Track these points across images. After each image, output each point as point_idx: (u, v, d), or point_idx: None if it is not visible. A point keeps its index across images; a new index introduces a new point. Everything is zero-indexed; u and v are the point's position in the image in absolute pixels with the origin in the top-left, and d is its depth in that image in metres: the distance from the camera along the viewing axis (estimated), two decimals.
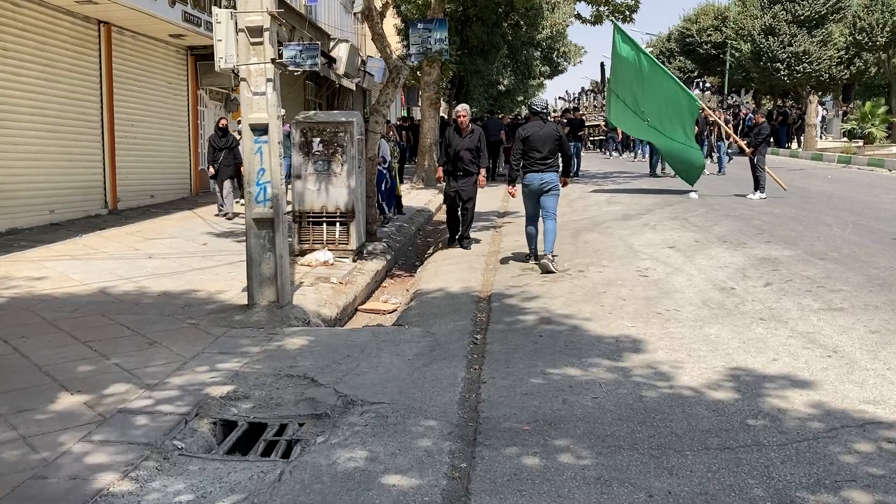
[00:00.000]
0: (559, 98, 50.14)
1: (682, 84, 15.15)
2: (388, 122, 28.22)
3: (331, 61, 26.24)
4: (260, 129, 6.32)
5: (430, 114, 19.61)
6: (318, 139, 9.05)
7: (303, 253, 9.12)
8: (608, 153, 32.50)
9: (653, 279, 7.55)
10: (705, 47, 40.75)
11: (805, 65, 28.05)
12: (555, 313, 6.30)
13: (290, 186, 9.43)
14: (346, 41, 28.64)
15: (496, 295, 7.11)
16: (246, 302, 6.54)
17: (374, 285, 8.91)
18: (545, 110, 8.72)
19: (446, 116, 28.87)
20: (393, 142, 15.74)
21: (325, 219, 9.13)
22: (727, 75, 37.37)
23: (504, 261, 8.90)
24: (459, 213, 9.86)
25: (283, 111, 6.54)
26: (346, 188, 9.08)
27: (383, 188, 12.04)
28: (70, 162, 11.95)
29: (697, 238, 9.93)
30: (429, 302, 7.08)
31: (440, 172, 9.87)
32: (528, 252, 8.67)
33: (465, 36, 22.09)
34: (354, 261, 9.20)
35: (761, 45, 28.84)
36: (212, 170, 12.91)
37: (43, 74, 11.22)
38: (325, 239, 9.14)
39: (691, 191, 15.18)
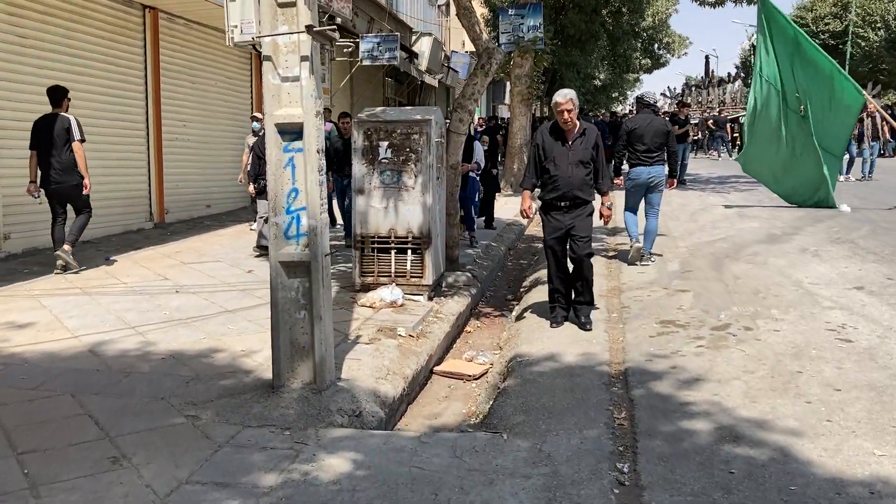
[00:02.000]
0: (661, 94, 46.96)
1: (846, 74, 12.19)
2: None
3: (412, 56, 24.40)
4: (292, 132, 4.29)
5: (522, 111, 17.41)
6: (386, 143, 7.02)
7: (365, 288, 7.11)
8: (717, 153, 29.39)
9: (861, 346, 5.16)
10: (822, 37, 36.92)
11: None
12: (737, 416, 4.03)
13: (345, 205, 7.50)
14: (430, 34, 26.80)
15: (634, 372, 4.87)
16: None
17: (456, 331, 6.82)
18: (656, 103, 8.59)
19: (541, 115, 26.62)
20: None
21: (393, 245, 7.09)
22: (847, 67, 33.61)
23: (633, 304, 6.65)
24: (570, 266, 6.16)
25: (323, 105, 4.49)
26: (420, 206, 7.02)
27: (476, 199, 10.05)
28: (108, 169, 10.32)
29: (888, 273, 7.41)
30: (534, 381, 4.89)
31: (526, 202, 5.92)
32: (631, 242, 8.47)
33: (560, 24, 19.78)
34: (430, 298, 7.13)
35: None
36: (252, 188, 9.32)
37: (72, 67, 9.60)
38: (393, 270, 7.10)
39: (836, 202, 12.44)
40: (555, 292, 6.21)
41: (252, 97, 14.47)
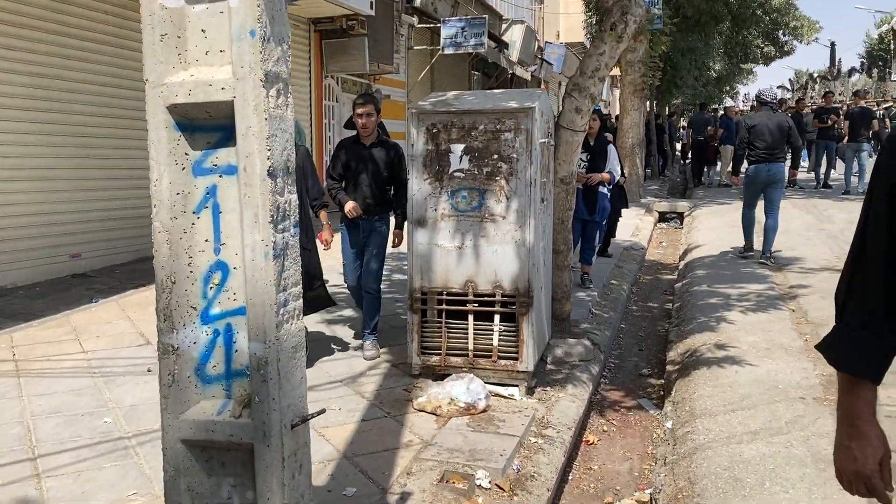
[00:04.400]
0: (779, 87, 42.56)
1: None
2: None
3: (502, 45, 21.79)
4: (209, 126, 1.77)
5: (634, 104, 14.51)
6: (462, 147, 4.44)
7: (427, 372, 4.57)
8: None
9: None
10: None
11: None
12: None
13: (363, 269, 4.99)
14: (522, 21, 24.14)
15: None
16: None
17: (573, 448, 4.19)
18: (775, 100, 8.39)
19: (651, 110, 23.49)
20: None
21: (472, 306, 4.51)
22: None
23: None
24: None
25: (289, 67, 1.90)
26: (514, 244, 4.41)
27: (602, 225, 7.45)
28: (118, 190, 8.15)
29: None
30: None
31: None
32: (745, 244, 8.57)
33: (677, 3, 16.71)
34: (531, 391, 4.53)
35: None
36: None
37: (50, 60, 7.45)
38: (471, 347, 4.52)
39: None
40: None
41: (311, 92, 12.18)
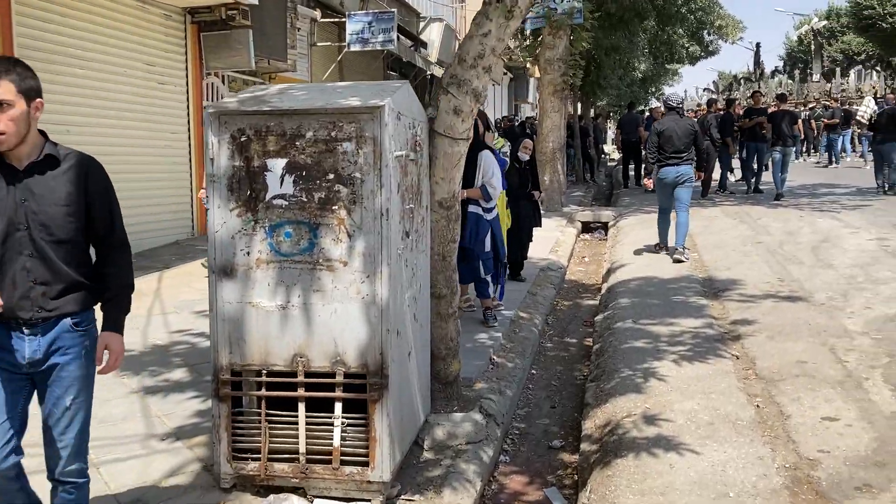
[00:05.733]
0: (705, 90, 42.34)
1: None
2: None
3: (418, 44, 20.54)
4: None
5: (554, 106, 13.38)
6: (284, 163, 3.10)
7: (245, 483, 3.21)
8: (817, 156, 23.78)
9: None
10: (890, 20, 32.37)
11: None
12: None
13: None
14: (441, 20, 22.96)
15: None
16: None
17: None
18: (680, 105, 8.75)
19: (575, 112, 22.54)
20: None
21: (303, 390, 3.17)
22: None
23: None
24: None
25: None
26: (360, 302, 3.09)
27: (493, 246, 5.96)
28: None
29: None
30: None
31: None
32: (658, 243, 8.86)
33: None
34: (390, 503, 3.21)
35: None
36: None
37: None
38: (303, 449, 3.17)
39: None
40: None
41: (188, 92, 10.61)
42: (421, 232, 3.74)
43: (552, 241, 10.49)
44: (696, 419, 3.91)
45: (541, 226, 7.89)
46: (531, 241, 7.80)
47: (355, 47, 14.80)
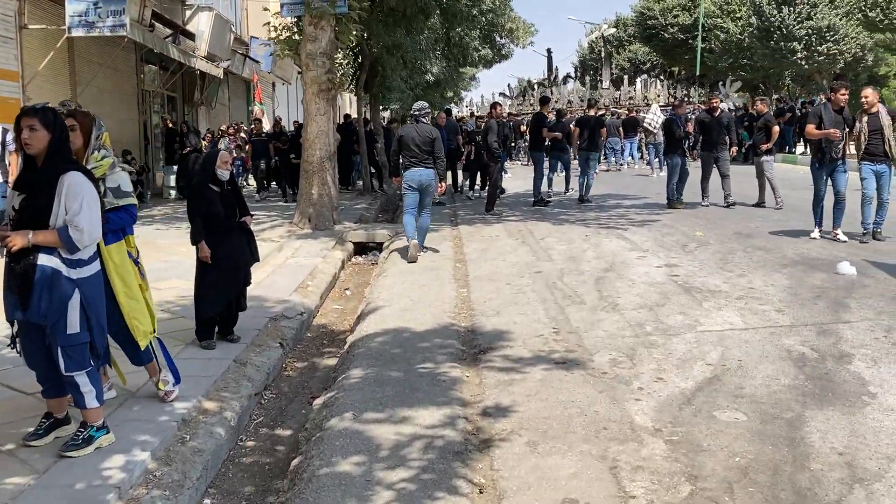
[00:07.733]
0: (500, 94, 42.35)
1: None
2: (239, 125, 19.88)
3: (178, 34, 17.94)
4: None
5: (321, 108, 11.52)
6: None
7: None
8: (618, 163, 22.06)
9: None
10: (672, 31, 33.75)
11: (830, 44, 21.18)
12: None
13: None
14: (211, 9, 20.41)
15: None
16: None
17: None
18: (420, 113, 8.96)
19: (355, 115, 20.87)
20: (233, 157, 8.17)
21: None
22: (699, 63, 30.44)
23: None
24: None
25: None
26: None
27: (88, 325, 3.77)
28: None
29: None
30: None
31: None
32: (407, 239, 8.88)
33: None
34: None
35: (771, 20, 21.86)
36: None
37: None
38: None
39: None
40: None
41: None
42: None
43: (307, 271, 8.63)
44: None
45: (259, 260, 6.01)
46: (248, 284, 5.87)
47: (77, 32, 12.16)
